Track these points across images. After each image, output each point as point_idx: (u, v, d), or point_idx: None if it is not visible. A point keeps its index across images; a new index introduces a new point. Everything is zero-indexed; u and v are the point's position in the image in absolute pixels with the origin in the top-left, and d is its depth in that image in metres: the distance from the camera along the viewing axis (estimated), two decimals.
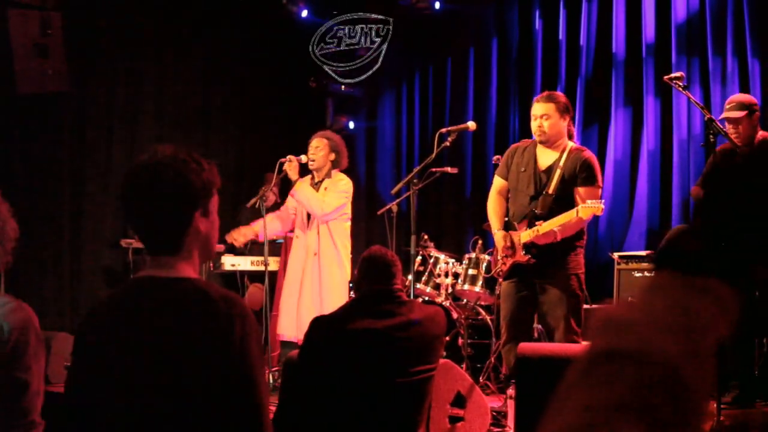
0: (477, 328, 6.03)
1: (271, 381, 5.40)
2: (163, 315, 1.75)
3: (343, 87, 8.23)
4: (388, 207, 5.50)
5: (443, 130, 5.03)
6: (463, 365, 5.31)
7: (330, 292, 5.43)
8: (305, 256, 5.52)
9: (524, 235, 4.54)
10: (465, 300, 6.07)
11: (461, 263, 5.98)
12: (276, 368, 5.56)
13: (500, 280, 4.77)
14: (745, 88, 6.41)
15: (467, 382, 4.07)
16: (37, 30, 6.52)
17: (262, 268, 5.91)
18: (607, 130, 7.26)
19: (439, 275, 5.99)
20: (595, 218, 5.77)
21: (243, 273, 7.17)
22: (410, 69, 8.58)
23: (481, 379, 5.24)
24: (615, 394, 0.71)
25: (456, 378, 4.04)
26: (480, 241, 6.04)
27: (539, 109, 4.59)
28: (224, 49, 8.21)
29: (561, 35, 7.61)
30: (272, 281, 5.90)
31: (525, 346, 3.77)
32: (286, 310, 5.55)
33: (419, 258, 5.99)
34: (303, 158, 5.55)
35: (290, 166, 5.50)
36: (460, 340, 5.75)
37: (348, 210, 5.61)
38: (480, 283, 5.84)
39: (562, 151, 4.59)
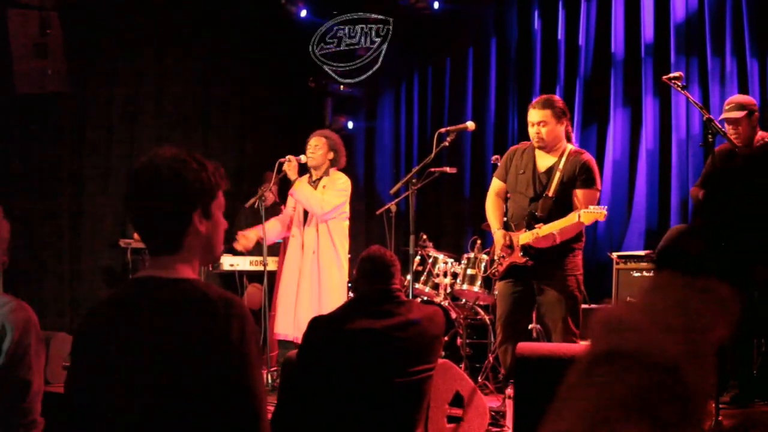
0: (476, 328, 6.04)
1: (269, 381, 5.40)
2: (162, 315, 1.75)
3: (342, 87, 8.23)
4: (386, 207, 5.50)
5: (442, 130, 5.02)
6: (462, 365, 5.31)
7: (328, 291, 5.43)
8: (301, 253, 5.52)
9: (523, 237, 4.53)
10: (464, 300, 6.07)
11: (460, 263, 5.98)
12: (274, 368, 5.55)
13: (495, 280, 4.76)
14: (743, 88, 6.41)
15: (466, 382, 4.07)
16: (36, 30, 6.51)
17: (260, 268, 5.90)
18: (606, 130, 7.26)
19: (437, 275, 5.99)
20: None
21: (242, 273, 7.16)
22: (409, 69, 8.57)
23: (479, 379, 5.24)
24: (616, 394, 0.71)
25: (455, 378, 4.04)
26: (479, 241, 6.04)
27: (536, 116, 4.56)
28: (224, 49, 8.20)
29: (560, 35, 7.60)
30: (271, 281, 5.90)
31: (524, 346, 3.77)
32: (284, 309, 5.54)
33: (418, 258, 5.99)
34: (302, 158, 5.55)
35: (289, 166, 5.51)
36: (459, 340, 5.75)
37: (347, 209, 5.61)
38: (479, 282, 5.84)
39: (561, 154, 4.58)
